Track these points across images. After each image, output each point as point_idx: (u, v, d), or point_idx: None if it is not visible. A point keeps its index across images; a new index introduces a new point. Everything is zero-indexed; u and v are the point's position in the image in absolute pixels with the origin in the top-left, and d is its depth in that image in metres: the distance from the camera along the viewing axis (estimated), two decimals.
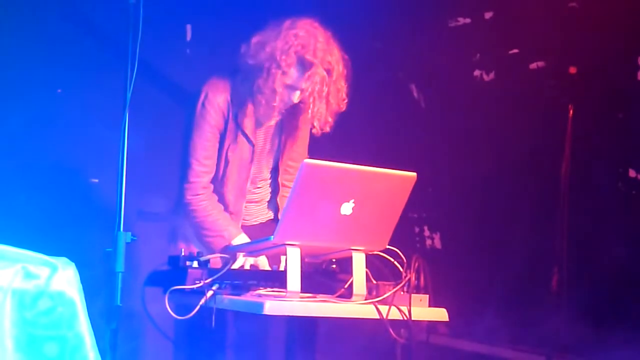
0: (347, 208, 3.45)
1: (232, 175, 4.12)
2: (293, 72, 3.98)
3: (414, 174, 3.55)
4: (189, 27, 5.70)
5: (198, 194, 4.06)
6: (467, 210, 5.39)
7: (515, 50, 5.29)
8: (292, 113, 4.20)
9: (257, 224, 4.25)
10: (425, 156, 5.47)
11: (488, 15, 5.39)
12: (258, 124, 4.13)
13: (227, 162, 4.11)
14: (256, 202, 4.25)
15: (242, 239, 4.01)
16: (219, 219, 4.05)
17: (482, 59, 5.43)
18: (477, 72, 5.45)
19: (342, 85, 4.08)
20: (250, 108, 4.09)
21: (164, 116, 4.82)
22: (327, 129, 4.13)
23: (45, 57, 5.02)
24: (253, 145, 4.13)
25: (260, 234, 4.06)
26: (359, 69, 5.72)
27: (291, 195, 3.38)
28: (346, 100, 4.11)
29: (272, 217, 4.27)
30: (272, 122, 4.19)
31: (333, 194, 3.42)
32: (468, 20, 5.49)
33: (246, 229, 4.15)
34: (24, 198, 4.85)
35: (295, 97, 4.04)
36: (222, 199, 4.12)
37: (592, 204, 4.90)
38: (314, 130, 4.13)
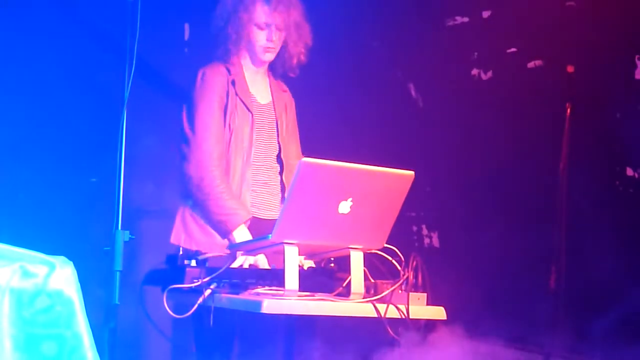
0: (345, 207, 3.45)
1: (236, 143, 4.18)
2: (259, 9, 4.22)
3: (412, 172, 3.55)
4: (187, 26, 5.71)
5: (211, 167, 4.09)
6: (465, 209, 5.39)
7: (513, 49, 5.29)
8: (280, 96, 4.40)
9: (269, 220, 4.23)
10: (423, 155, 5.47)
11: (486, 14, 5.39)
12: (253, 88, 4.31)
13: (231, 132, 4.18)
14: (267, 185, 4.27)
15: (242, 231, 4.02)
16: (230, 199, 4.07)
17: (480, 58, 5.43)
18: (474, 71, 5.45)
19: (303, 20, 4.33)
20: (243, 77, 4.27)
21: (162, 115, 4.81)
22: (302, 58, 4.35)
23: (43, 56, 5.02)
24: (251, 113, 4.23)
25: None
26: (357, 68, 5.75)
27: (289, 193, 3.39)
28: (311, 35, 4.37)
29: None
30: (265, 100, 4.34)
31: (331, 193, 3.42)
32: (466, 19, 5.49)
33: (257, 222, 4.17)
34: (22, 197, 4.86)
35: (273, 35, 4.24)
36: (227, 171, 4.15)
37: (590, 203, 4.90)
38: (291, 62, 4.35)
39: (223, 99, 4.18)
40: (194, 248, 4.07)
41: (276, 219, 4.15)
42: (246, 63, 4.32)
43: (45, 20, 5.03)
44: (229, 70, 4.23)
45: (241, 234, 4.04)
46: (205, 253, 3.95)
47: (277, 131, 4.33)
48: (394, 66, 5.76)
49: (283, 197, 4.30)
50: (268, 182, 4.28)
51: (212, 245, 4.08)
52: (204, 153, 4.10)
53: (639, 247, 4.75)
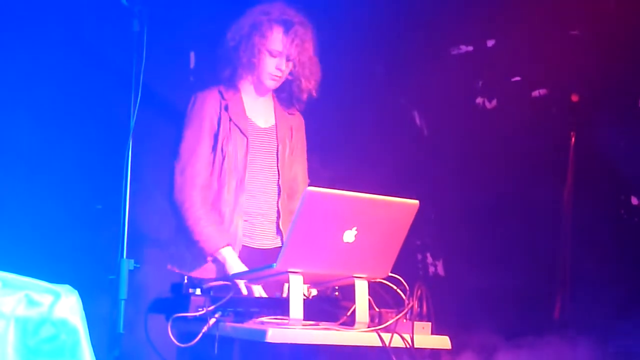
0: (349, 236, 3.45)
1: (229, 167, 4.16)
2: (275, 36, 4.18)
3: (417, 201, 3.55)
4: (192, 54, 5.72)
5: (193, 193, 4.09)
6: (469, 238, 5.39)
7: (518, 78, 5.30)
8: (285, 119, 4.35)
9: (263, 249, 4.24)
10: (428, 183, 5.48)
11: (490, 43, 5.41)
12: (252, 111, 4.27)
13: (223, 156, 4.16)
14: (261, 214, 4.26)
15: (228, 251, 4.04)
16: (210, 226, 4.07)
17: (485, 87, 5.45)
18: (479, 100, 5.46)
19: (316, 59, 4.30)
20: (240, 101, 4.24)
21: (168, 143, 4.82)
22: (313, 94, 4.32)
23: (50, 84, 5.04)
24: (247, 138, 4.20)
25: (262, 263, 4.09)
26: (361, 95, 5.77)
27: (294, 222, 3.39)
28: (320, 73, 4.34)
29: (279, 245, 4.26)
30: (267, 124, 4.30)
31: (336, 222, 3.42)
32: (470, 48, 5.51)
33: (249, 252, 4.18)
34: (27, 224, 4.86)
35: (282, 65, 4.20)
36: (219, 195, 4.15)
37: (595, 231, 4.90)
38: (301, 97, 4.32)
39: (213, 124, 4.17)
40: (186, 272, 4.08)
41: (269, 249, 4.20)
42: (248, 88, 4.28)
43: (51, 49, 5.04)
44: (222, 95, 4.21)
45: (228, 254, 4.05)
46: (204, 279, 3.97)
47: (277, 157, 4.29)
48: (399, 94, 5.78)
49: (278, 225, 4.29)
50: (263, 209, 4.25)
51: (202, 270, 4.09)
52: (186, 179, 4.10)
53: None
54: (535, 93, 5.22)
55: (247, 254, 4.17)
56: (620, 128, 4.91)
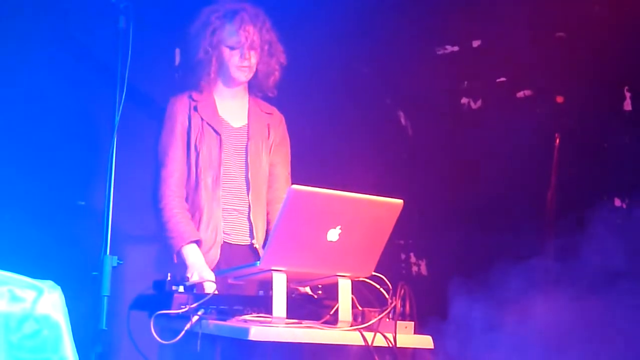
0: (333, 234, 3.45)
1: (204, 164, 4.23)
2: (227, 30, 4.24)
3: (401, 201, 3.56)
4: (177, 51, 5.71)
5: (167, 192, 4.18)
6: (453, 238, 5.39)
7: (503, 79, 5.31)
8: (260, 118, 4.39)
9: (239, 245, 4.29)
10: (412, 183, 5.48)
11: (476, 43, 5.42)
12: (225, 112, 4.34)
13: (197, 154, 4.23)
14: (236, 210, 4.29)
15: (193, 248, 4.07)
16: (181, 222, 4.13)
17: (470, 87, 5.45)
18: (464, 100, 5.47)
19: (275, 39, 4.33)
20: (212, 102, 4.32)
21: (152, 140, 4.83)
22: (277, 76, 4.37)
23: (34, 80, 5.02)
24: (219, 135, 4.27)
25: (241, 260, 4.15)
26: (346, 95, 5.77)
27: (278, 220, 3.39)
28: (284, 54, 4.37)
29: (249, 243, 4.30)
30: (239, 124, 4.36)
31: (320, 220, 3.43)
32: (456, 48, 5.51)
33: (227, 247, 4.22)
34: (9, 220, 4.84)
35: (246, 54, 4.25)
36: (197, 192, 4.22)
37: (578, 232, 4.91)
38: (267, 82, 4.37)
39: (184, 124, 4.26)
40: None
41: (245, 245, 4.23)
42: (219, 88, 4.36)
43: (36, 45, 5.02)
44: (192, 97, 4.29)
45: (192, 252, 4.07)
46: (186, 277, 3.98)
47: (246, 152, 4.32)
48: (384, 94, 5.78)
49: (250, 218, 4.30)
50: (237, 205, 4.31)
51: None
52: (161, 179, 4.21)
53: (628, 278, 4.76)
54: (520, 94, 5.23)
55: (224, 250, 4.20)
56: (605, 130, 4.93)
